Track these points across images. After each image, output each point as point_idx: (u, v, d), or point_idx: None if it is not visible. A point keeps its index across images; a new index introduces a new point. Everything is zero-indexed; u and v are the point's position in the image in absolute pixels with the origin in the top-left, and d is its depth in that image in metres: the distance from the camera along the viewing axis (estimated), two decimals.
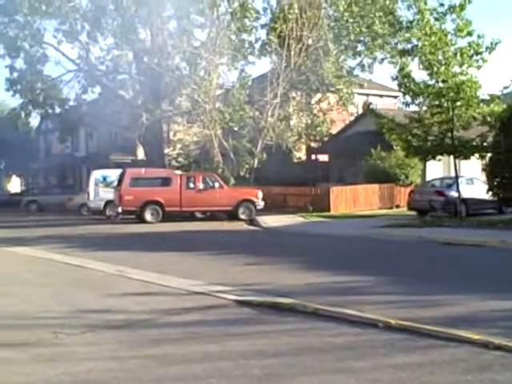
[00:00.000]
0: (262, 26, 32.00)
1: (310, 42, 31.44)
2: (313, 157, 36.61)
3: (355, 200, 27.78)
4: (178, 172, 26.83)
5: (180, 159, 39.16)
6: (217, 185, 25.37)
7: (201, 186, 25.20)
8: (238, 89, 30.22)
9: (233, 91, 29.99)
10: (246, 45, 32.23)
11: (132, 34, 32.17)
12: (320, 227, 21.07)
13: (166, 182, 25.01)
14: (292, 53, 30.77)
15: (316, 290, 9.43)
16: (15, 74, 34.13)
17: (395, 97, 37.53)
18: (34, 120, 50.22)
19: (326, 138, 34.61)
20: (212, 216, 25.87)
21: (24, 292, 9.85)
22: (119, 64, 34.41)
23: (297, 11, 30.42)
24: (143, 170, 26.13)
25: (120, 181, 24.82)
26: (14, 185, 60.14)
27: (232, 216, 24.99)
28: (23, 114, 35.06)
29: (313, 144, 35.81)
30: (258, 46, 33.15)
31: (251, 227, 22.67)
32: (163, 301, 8.90)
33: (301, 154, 35.75)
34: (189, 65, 30.69)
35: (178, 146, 39.81)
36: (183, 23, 30.66)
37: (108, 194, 26.26)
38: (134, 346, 6.66)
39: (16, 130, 48.97)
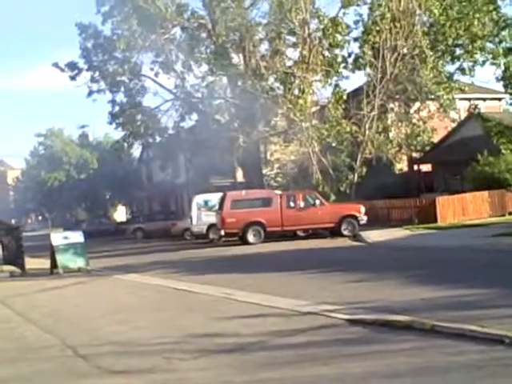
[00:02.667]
0: (355, 40, 31.53)
1: (405, 50, 30.64)
2: (415, 167, 35.51)
3: (463, 209, 26.54)
4: (278, 192, 26.80)
5: (278, 179, 39.29)
6: (318, 202, 25.09)
7: (301, 204, 25.03)
8: (334, 104, 29.89)
9: (328, 107, 29.69)
10: (339, 59, 31.85)
11: (225, 60, 32.75)
12: (427, 239, 20.26)
13: (266, 202, 25.04)
14: (387, 63, 30.11)
15: (431, 306, 8.93)
16: (116, 108, 35.63)
17: (499, 99, 35.88)
18: (136, 150, 52.42)
19: (427, 147, 33.49)
20: (314, 234, 25.56)
21: (135, 319, 10.03)
22: (214, 89, 35.08)
23: (389, 21, 29.80)
24: (243, 192, 26.33)
25: (221, 204, 25.11)
26: (120, 214, 62.66)
27: (335, 233, 24.58)
28: (126, 146, 36.41)
29: (414, 154, 34.73)
30: (351, 60, 32.74)
31: (355, 243, 22.16)
32: (272, 322, 8.73)
33: (402, 166, 34.75)
34: (283, 84, 30.74)
35: (276, 165, 39.99)
36: (275, 44, 30.81)
37: (210, 217, 26.63)
38: (247, 369, 6.54)
39: (120, 162, 51.33)
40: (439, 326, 7.07)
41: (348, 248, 20.79)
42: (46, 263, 19.28)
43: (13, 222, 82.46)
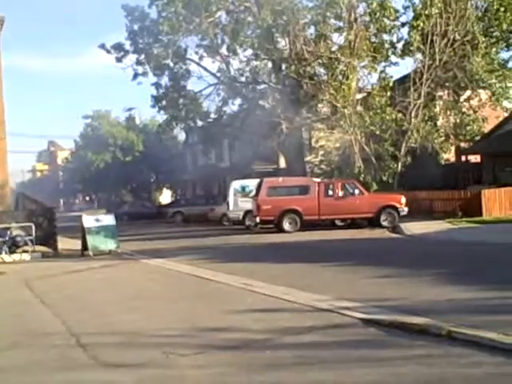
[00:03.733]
0: (403, 25, 30.39)
1: (456, 36, 29.40)
2: (463, 158, 34.22)
3: (511, 203, 25.41)
4: (317, 179, 26.21)
5: (322, 166, 38.59)
6: (357, 191, 24.40)
7: (340, 193, 24.40)
8: (379, 91, 29.00)
9: (373, 93, 28.82)
10: (387, 45, 30.85)
11: (270, 44, 32.21)
12: (469, 234, 19.34)
13: (303, 190, 24.48)
14: (436, 49, 28.97)
15: (459, 308, 8.30)
16: (160, 91, 35.58)
17: None
18: (181, 134, 52.55)
19: (477, 138, 32.18)
20: (353, 224, 24.91)
21: (149, 307, 9.78)
22: (258, 74, 34.62)
23: (440, 5, 28.62)
24: (280, 178, 25.86)
25: (258, 190, 24.71)
26: (166, 196, 62.93)
27: (374, 223, 23.88)
28: (168, 129, 36.35)
29: (463, 144, 33.42)
30: (400, 45, 31.66)
31: (393, 235, 21.43)
32: (284, 318, 8.29)
33: (449, 156, 33.53)
34: (326, 70, 30.01)
35: (321, 152, 39.23)
36: (320, 28, 30.05)
37: (247, 204, 26.19)
38: (245, 370, 6.16)
39: (163, 144, 51.56)
40: (456, 333, 6.48)
41: (384, 240, 20.10)
42: (80, 244, 19.30)
43: (61, 201, 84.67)
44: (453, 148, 33.17)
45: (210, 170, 48.67)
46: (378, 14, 29.03)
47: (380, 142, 29.32)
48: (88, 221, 18.50)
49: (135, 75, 36.22)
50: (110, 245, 18.46)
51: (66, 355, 7.07)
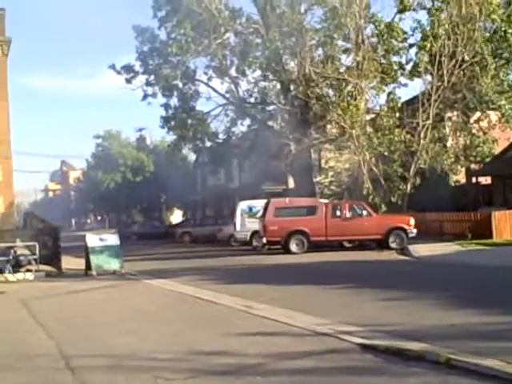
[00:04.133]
0: (411, 46, 30.26)
1: (465, 57, 29.26)
2: (473, 179, 33.87)
3: None
4: (324, 201, 26.03)
5: (332, 187, 38.40)
6: (364, 213, 24.17)
7: (347, 214, 24.16)
8: (387, 112, 28.85)
9: (381, 115, 28.68)
10: (395, 66, 30.75)
11: (278, 65, 32.28)
12: (478, 256, 19.01)
13: (310, 211, 24.29)
14: (445, 71, 28.82)
15: (460, 333, 8.07)
16: (169, 112, 35.72)
17: None
18: (191, 155, 52.63)
19: (488, 159, 31.84)
20: (361, 245, 24.63)
21: (146, 329, 9.60)
22: (267, 95, 34.67)
23: (447, 26, 28.54)
24: (287, 199, 25.69)
25: (264, 211, 24.55)
26: (177, 216, 62.87)
27: (382, 245, 23.59)
28: (176, 150, 36.41)
29: (473, 166, 33.11)
30: (409, 67, 31.55)
31: (401, 257, 21.13)
32: (281, 342, 8.08)
33: (459, 177, 33.21)
34: (335, 91, 29.95)
35: (330, 173, 39.08)
36: (328, 49, 30.08)
37: (254, 224, 26.05)
38: None
39: (175, 165, 51.59)
40: (455, 360, 6.22)
41: (391, 262, 19.81)
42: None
43: (73, 221, 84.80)
44: (463, 169, 32.87)
45: (219, 191, 48.60)
46: (385, 35, 28.95)
47: (389, 163, 29.09)
48: (92, 240, 18.41)
49: (145, 96, 36.42)
50: (113, 265, 18.32)
51: (53, 378, 6.89)
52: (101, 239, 18.51)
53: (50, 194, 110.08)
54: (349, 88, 28.93)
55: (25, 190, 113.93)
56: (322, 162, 39.42)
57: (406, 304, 10.70)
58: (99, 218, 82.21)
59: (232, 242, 30.23)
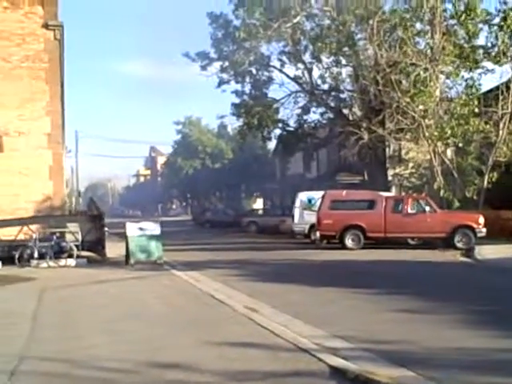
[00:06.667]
0: (490, 26, 27.74)
1: None
2: None
3: None
4: (385, 194, 24.48)
5: (412, 179, 36.49)
6: (428, 208, 22.47)
7: (409, 209, 22.57)
8: (464, 100, 26.76)
9: (455, 103, 26.63)
10: (477, 50, 28.41)
11: (351, 49, 30.88)
12: None
13: (369, 205, 22.92)
14: None
15: (465, 360, 6.86)
16: (242, 98, 35.20)
17: None
18: (272, 143, 51.96)
19: None
20: (426, 243, 22.98)
21: (128, 330, 8.97)
22: (339, 81, 33.35)
23: None
24: (344, 192, 24.36)
25: (320, 203, 23.41)
26: (259, 205, 62.43)
27: (447, 244, 21.88)
28: (245, 136, 35.89)
29: None
30: (494, 51, 29.09)
31: (463, 258, 19.40)
32: (251, 358, 7.16)
33: None
34: (407, 77, 28.12)
35: (410, 165, 37.12)
36: (402, 32, 28.28)
37: (313, 216, 24.96)
38: None
39: (255, 153, 51.19)
40: None
41: (448, 264, 18.12)
42: None
43: (159, 206, 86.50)
44: None
45: (297, 180, 47.65)
46: (465, 16, 26.76)
47: (463, 156, 27.06)
48: (131, 229, 18.09)
49: (220, 83, 36.08)
50: (151, 254, 17.93)
51: None
52: (140, 228, 18.16)
53: (142, 179, 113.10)
54: (423, 74, 27.01)
55: (119, 174, 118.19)
56: (403, 152, 37.50)
57: (422, 318, 9.42)
58: (184, 203, 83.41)
59: (295, 235, 29.24)
